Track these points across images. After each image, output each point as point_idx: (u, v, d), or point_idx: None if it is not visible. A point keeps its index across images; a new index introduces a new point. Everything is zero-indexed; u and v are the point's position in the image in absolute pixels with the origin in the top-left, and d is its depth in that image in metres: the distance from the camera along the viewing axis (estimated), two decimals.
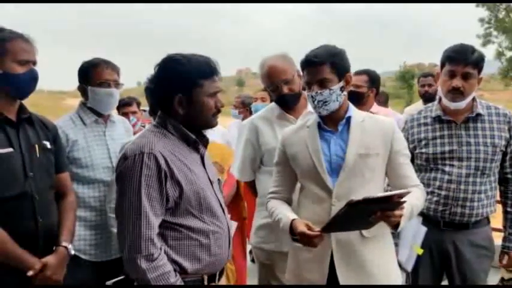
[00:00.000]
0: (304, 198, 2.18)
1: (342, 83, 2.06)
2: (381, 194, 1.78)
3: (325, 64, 2.03)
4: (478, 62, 2.39)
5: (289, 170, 2.22)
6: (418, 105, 4.81)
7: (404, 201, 1.82)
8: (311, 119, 2.20)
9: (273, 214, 2.19)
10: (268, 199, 2.28)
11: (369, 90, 3.67)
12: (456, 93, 2.40)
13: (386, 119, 2.22)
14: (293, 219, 2.03)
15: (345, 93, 2.10)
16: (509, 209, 2.54)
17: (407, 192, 1.81)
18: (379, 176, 2.11)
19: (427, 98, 4.72)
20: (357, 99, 3.62)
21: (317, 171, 2.07)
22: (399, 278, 2.16)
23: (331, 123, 2.12)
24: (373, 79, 3.72)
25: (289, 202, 2.27)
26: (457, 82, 2.38)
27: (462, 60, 2.37)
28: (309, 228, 1.93)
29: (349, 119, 2.11)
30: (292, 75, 2.59)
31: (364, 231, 2.01)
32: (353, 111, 2.14)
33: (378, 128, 2.11)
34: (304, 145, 2.14)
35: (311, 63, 2.05)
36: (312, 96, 2.06)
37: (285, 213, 2.10)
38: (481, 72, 2.44)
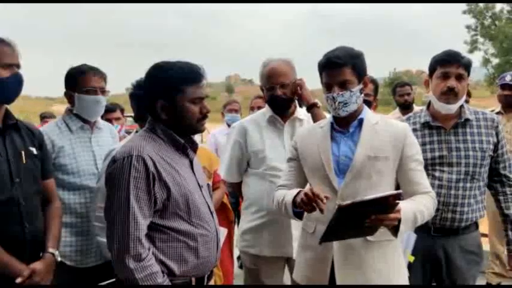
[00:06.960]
0: None
1: (361, 85, 2.08)
2: (371, 196, 1.75)
3: (346, 66, 2.02)
4: (468, 66, 2.44)
5: (300, 167, 2.22)
6: (395, 114, 4.88)
7: (397, 203, 1.78)
8: (325, 120, 2.21)
9: (279, 199, 2.15)
10: (276, 190, 2.26)
11: (375, 100, 3.63)
12: (451, 94, 2.41)
13: (400, 123, 2.20)
14: (299, 191, 2.00)
15: (363, 95, 2.11)
16: (506, 212, 2.50)
17: (399, 193, 1.77)
18: (388, 180, 2.07)
19: (406, 106, 4.85)
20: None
21: (324, 170, 2.07)
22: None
23: (344, 124, 2.12)
24: (377, 88, 3.66)
25: None
26: (452, 82, 2.40)
27: (455, 62, 2.41)
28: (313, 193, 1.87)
29: (361, 120, 2.11)
30: (289, 81, 2.64)
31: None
32: (367, 113, 2.13)
33: (390, 132, 2.08)
34: (315, 144, 2.14)
35: (333, 64, 2.03)
36: (332, 98, 2.04)
37: (291, 192, 2.07)
38: (468, 77, 2.47)
